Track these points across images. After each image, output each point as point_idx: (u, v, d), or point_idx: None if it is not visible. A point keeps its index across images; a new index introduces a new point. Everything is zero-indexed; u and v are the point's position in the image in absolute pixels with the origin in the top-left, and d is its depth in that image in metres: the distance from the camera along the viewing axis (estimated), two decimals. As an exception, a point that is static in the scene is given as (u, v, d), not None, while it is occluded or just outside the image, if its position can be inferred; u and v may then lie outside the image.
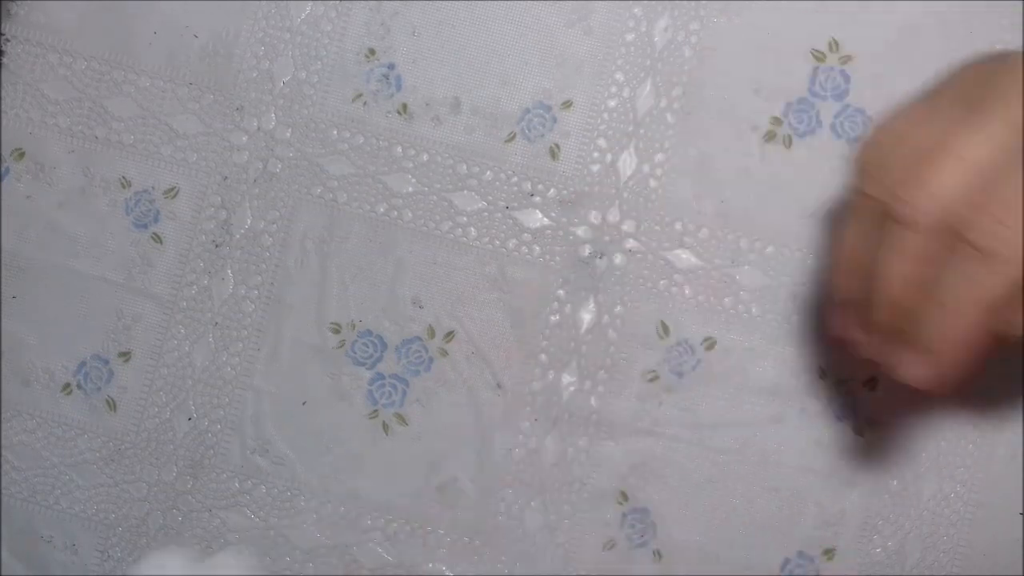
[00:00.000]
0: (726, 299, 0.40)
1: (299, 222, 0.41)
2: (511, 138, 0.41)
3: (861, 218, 0.29)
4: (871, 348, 0.30)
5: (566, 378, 0.41)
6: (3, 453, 0.42)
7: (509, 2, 0.41)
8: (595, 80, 0.41)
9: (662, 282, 0.40)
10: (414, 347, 0.41)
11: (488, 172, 0.41)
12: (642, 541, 0.40)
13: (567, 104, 0.41)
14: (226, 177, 0.41)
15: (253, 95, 0.41)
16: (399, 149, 0.41)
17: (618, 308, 0.40)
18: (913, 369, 0.29)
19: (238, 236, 0.41)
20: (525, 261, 0.41)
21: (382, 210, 0.41)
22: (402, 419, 0.41)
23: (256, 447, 0.41)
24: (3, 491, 0.42)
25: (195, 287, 0.41)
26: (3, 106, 0.42)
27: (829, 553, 0.40)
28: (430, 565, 0.41)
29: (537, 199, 0.41)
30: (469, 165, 0.41)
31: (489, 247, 0.41)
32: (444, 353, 0.41)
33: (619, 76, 0.41)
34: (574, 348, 0.41)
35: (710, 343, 0.40)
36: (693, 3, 0.41)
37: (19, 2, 0.42)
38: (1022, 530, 0.39)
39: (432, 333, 0.41)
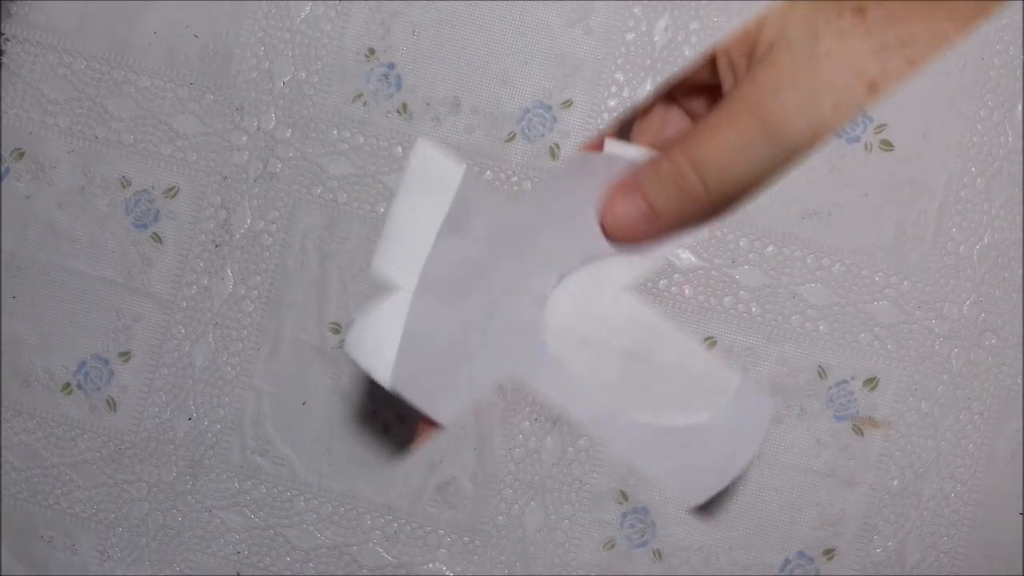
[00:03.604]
0: (726, 299, 0.40)
1: (299, 222, 0.41)
2: (511, 138, 0.41)
3: None
4: None
5: (566, 378, 0.41)
6: (3, 453, 0.42)
7: (509, 2, 0.41)
8: (595, 80, 0.41)
9: (662, 282, 0.40)
10: (414, 347, 0.41)
11: (488, 172, 0.41)
12: (642, 541, 0.40)
13: (567, 104, 0.41)
14: (226, 177, 0.41)
15: (253, 95, 0.41)
16: (399, 149, 0.41)
17: (618, 308, 0.40)
18: None
19: (238, 236, 0.41)
20: (525, 261, 0.41)
21: (382, 210, 0.41)
22: (401, 419, 0.41)
23: (256, 447, 0.41)
24: (3, 491, 0.42)
25: (195, 287, 0.41)
26: (3, 106, 0.42)
27: (829, 553, 0.40)
28: (430, 565, 0.41)
29: (537, 199, 0.41)
30: (469, 165, 0.41)
31: (489, 247, 0.41)
32: (444, 353, 0.41)
33: (619, 76, 0.41)
34: (574, 348, 0.41)
35: (710, 343, 0.40)
36: (693, 3, 0.41)
37: (19, 2, 0.42)
38: (1022, 530, 0.39)
39: (432, 333, 0.41)
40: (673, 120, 0.35)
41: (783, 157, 0.29)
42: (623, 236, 0.32)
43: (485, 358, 0.32)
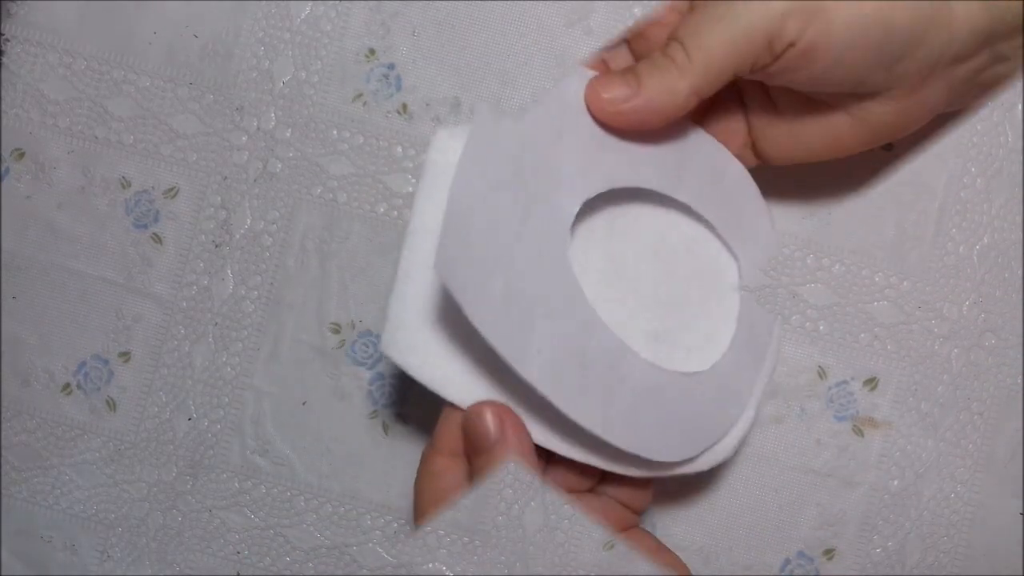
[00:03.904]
0: (726, 299, 0.40)
1: (299, 222, 0.41)
2: (511, 138, 0.41)
3: None
4: None
5: (566, 378, 0.40)
6: (3, 453, 0.42)
7: (509, 2, 0.41)
8: (595, 80, 0.41)
9: (662, 282, 0.40)
10: (414, 347, 0.41)
11: (488, 172, 0.41)
12: (642, 541, 0.40)
13: (567, 104, 0.41)
14: (226, 177, 0.41)
15: (253, 95, 0.41)
16: (399, 149, 0.41)
17: (618, 308, 0.40)
18: None
19: (238, 236, 0.41)
20: (525, 261, 0.41)
21: (382, 210, 0.41)
22: (402, 419, 0.41)
23: (256, 447, 0.41)
24: (3, 491, 0.42)
25: (195, 287, 0.41)
26: (3, 106, 0.42)
27: (829, 553, 0.40)
28: (430, 565, 0.41)
29: (537, 199, 0.41)
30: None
31: (489, 247, 0.41)
32: (444, 353, 0.41)
33: (619, 76, 0.41)
34: (574, 348, 0.40)
35: (710, 343, 0.40)
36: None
37: (19, 2, 0.42)
38: (1022, 530, 0.39)
39: (432, 333, 0.41)
40: None
41: (763, 14, 0.29)
42: (611, 114, 0.32)
43: (519, 268, 0.30)
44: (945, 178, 0.40)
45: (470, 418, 0.31)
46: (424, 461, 0.33)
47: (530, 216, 0.31)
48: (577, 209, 0.32)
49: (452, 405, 0.32)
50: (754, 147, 0.36)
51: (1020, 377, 0.40)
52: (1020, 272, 0.40)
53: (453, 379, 0.32)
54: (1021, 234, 0.40)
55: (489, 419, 0.31)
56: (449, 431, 0.33)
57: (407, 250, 0.32)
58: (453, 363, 0.32)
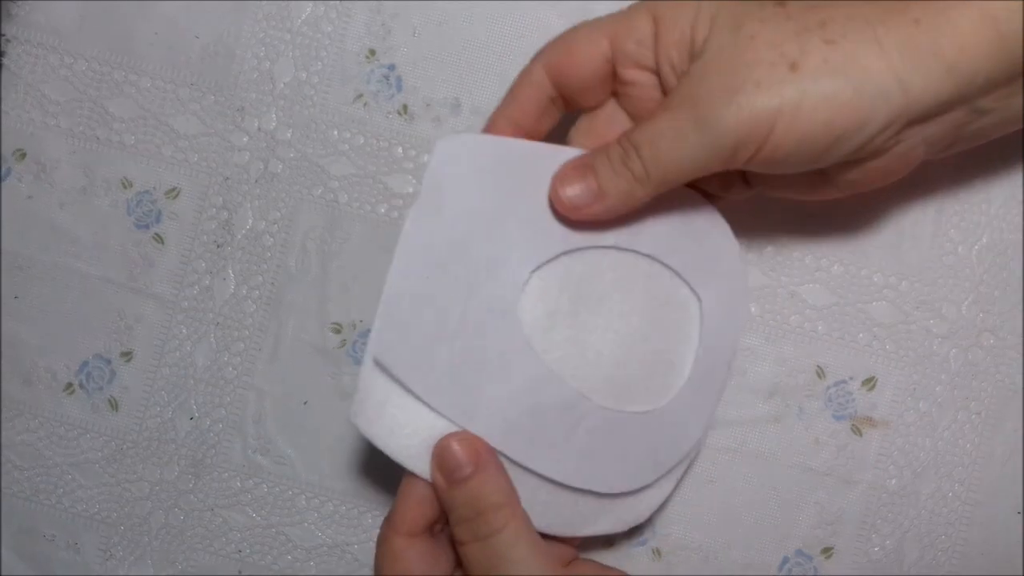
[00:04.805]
0: (726, 299, 0.40)
1: (300, 222, 0.41)
2: (511, 138, 0.41)
3: None
4: None
5: (566, 378, 0.41)
6: (5, 452, 0.42)
7: (509, 2, 0.41)
8: (595, 80, 0.41)
9: (662, 282, 0.40)
10: (415, 347, 0.41)
11: (488, 172, 0.41)
12: (641, 540, 0.41)
13: (567, 105, 0.41)
14: (227, 177, 0.42)
15: (254, 96, 0.41)
16: (400, 150, 0.41)
17: (618, 308, 0.40)
18: None
19: (239, 236, 0.41)
20: (525, 261, 0.41)
21: (383, 210, 0.41)
22: (403, 419, 0.41)
23: (257, 446, 0.42)
24: (5, 490, 0.42)
25: (197, 287, 0.42)
26: (4, 107, 0.42)
27: (827, 552, 0.40)
28: (431, 564, 0.41)
29: (537, 199, 0.41)
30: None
31: (489, 247, 0.41)
32: (445, 353, 0.41)
33: (619, 77, 0.41)
34: (574, 348, 0.41)
35: (710, 343, 0.40)
36: (693, 3, 0.41)
37: (19, 2, 0.42)
38: (1022, 530, 0.40)
39: (433, 333, 0.41)
40: (619, 122, 0.35)
41: (715, 144, 0.30)
42: (572, 213, 0.33)
43: (465, 337, 0.32)
44: (944, 178, 0.40)
45: (440, 453, 0.32)
46: (382, 542, 0.33)
47: (477, 285, 0.32)
48: (528, 274, 0.33)
49: (412, 477, 0.33)
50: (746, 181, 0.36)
51: (1019, 377, 0.40)
52: (1019, 272, 0.40)
53: (419, 451, 0.32)
54: (1021, 234, 0.40)
55: (461, 449, 0.31)
56: (407, 508, 0.33)
57: (379, 321, 0.33)
58: (419, 435, 0.32)
